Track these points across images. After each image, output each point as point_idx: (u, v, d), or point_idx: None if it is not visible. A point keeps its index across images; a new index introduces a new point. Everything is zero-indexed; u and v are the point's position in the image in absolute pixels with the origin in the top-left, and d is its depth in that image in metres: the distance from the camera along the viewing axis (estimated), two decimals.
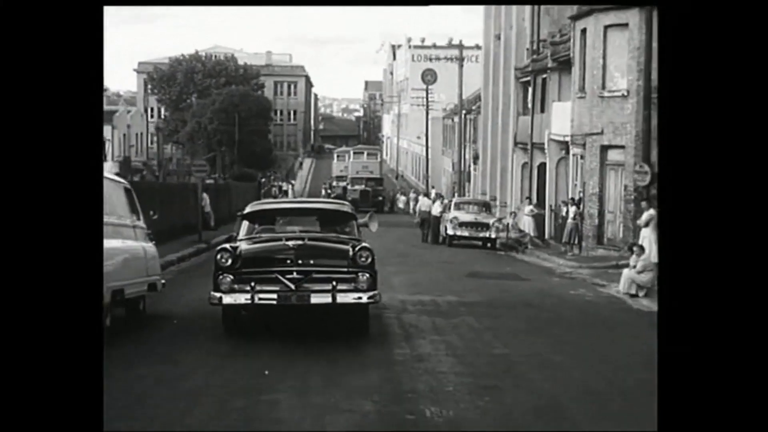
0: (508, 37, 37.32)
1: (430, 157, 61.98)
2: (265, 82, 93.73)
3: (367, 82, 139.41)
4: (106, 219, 10.69)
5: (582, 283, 18.49)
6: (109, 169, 32.96)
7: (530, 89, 31.29)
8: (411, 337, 10.62)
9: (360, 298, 10.05)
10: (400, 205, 56.38)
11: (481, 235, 28.27)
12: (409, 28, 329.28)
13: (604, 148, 23.12)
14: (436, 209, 31.18)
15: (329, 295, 9.94)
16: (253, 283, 10.01)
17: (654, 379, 4.65)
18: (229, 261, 10.22)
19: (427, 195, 39.30)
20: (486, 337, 10.72)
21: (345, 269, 10.19)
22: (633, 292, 16.23)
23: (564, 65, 26.51)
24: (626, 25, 22.09)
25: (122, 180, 13.04)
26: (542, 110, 29.75)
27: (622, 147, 22.45)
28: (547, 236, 28.36)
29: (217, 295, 10.12)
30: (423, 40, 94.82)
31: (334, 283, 9.99)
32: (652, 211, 17.62)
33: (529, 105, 31.39)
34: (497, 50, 39.20)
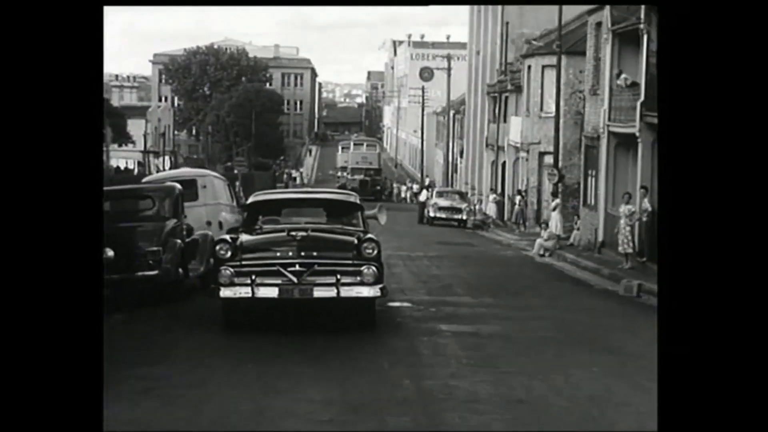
0: (485, 55, 46.74)
1: (425, 149, 71.38)
2: (273, 74, 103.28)
3: (369, 72, 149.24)
4: (221, 202, 20.12)
5: (513, 249, 28.02)
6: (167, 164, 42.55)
7: (496, 104, 40.84)
8: (390, 267, 19.80)
9: (365, 292, 10.12)
10: (402, 194, 63.39)
11: (456, 217, 37.76)
12: (411, 12, 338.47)
13: (541, 154, 32.63)
14: (423, 196, 40.81)
15: (333, 288, 9.98)
16: (253, 276, 10.01)
17: (508, 283, 12.72)
18: (229, 252, 10.19)
19: (426, 187, 48.69)
20: (432, 268, 20.19)
21: (350, 261, 10.19)
22: (541, 253, 25.63)
23: (518, 89, 35.99)
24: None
25: (224, 178, 22.57)
26: (504, 121, 39.29)
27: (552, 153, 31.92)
28: (505, 218, 37.93)
29: (216, 287, 10.17)
30: (422, 37, 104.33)
31: (339, 276, 10.02)
32: (558, 200, 27.14)
33: (496, 115, 40.94)
34: (477, 65, 48.66)
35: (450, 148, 57.71)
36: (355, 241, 10.50)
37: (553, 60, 31.57)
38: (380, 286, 10.27)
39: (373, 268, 10.21)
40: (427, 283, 16.98)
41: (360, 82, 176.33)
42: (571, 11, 31.46)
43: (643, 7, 20.61)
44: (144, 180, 19.78)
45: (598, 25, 24.69)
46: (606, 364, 9.27)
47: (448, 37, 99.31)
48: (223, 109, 74.78)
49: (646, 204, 19.99)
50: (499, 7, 42.18)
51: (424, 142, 70.78)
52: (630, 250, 20.12)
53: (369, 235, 10.78)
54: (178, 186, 14.66)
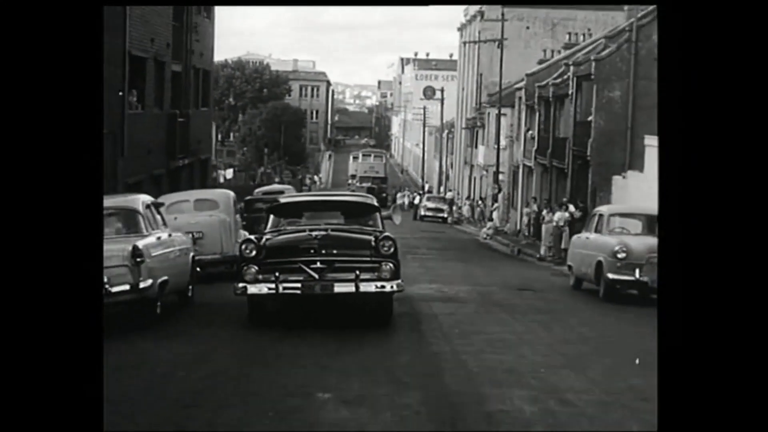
0: (467, 93, 64.80)
1: (426, 158, 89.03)
2: (292, 86, 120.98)
3: (380, 82, 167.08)
4: None
5: (470, 235, 45.92)
6: (230, 175, 60.77)
7: (471, 133, 59.09)
8: None
9: (383, 287, 11.21)
10: (398, 201, 79.29)
11: (440, 215, 55.64)
12: (418, 13, 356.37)
13: (496, 173, 50.61)
14: (417, 200, 59.00)
15: (352, 284, 11.11)
16: (277, 273, 11.13)
17: (451, 248, 30.13)
18: (254, 252, 11.36)
19: (420, 193, 66.60)
20: (412, 241, 37.82)
21: (368, 258, 11.33)
22: (484, 237, 43.40)
23: (483, 126, 54.06)
24: (506, 114, 49.51)
25: (291, 187, 40.60)
26: (476, 147, 57.39)
27: (503, 172, 49.94)
28: (474, 216, 56.09)
29: (242, 285, 11.30)
30: (428, 55, 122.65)
31: (357, 272, 11.10)
32: (497, 204, 45.27)
33: (471, 141, 59.16)
34: (462, 98, 66.74)
35: (442, 161, 75.67)
36: (373, 240, 11.61)
37: (503, 110, 49.74)
38: (398, 281, 11.41)
39: (391, 264, 11.36)
40: (407, 246, 34.73)
41: (369, 84, 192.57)
42: (517, 74, 49.08)
43: (536, 92, 38.50)
44: (257, 191, 37.09)
45: (520, 98, 42.72)
46: (462, 265, 27.18)
47: (450, 55, 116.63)
48: (254, 124, 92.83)
49: (534, 207, 37.96)
50: (476, 61, 60.14)
51: (425, 154, 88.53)
52: (527, 233, 38.04)
53: (386, 234, 11.91)
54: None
